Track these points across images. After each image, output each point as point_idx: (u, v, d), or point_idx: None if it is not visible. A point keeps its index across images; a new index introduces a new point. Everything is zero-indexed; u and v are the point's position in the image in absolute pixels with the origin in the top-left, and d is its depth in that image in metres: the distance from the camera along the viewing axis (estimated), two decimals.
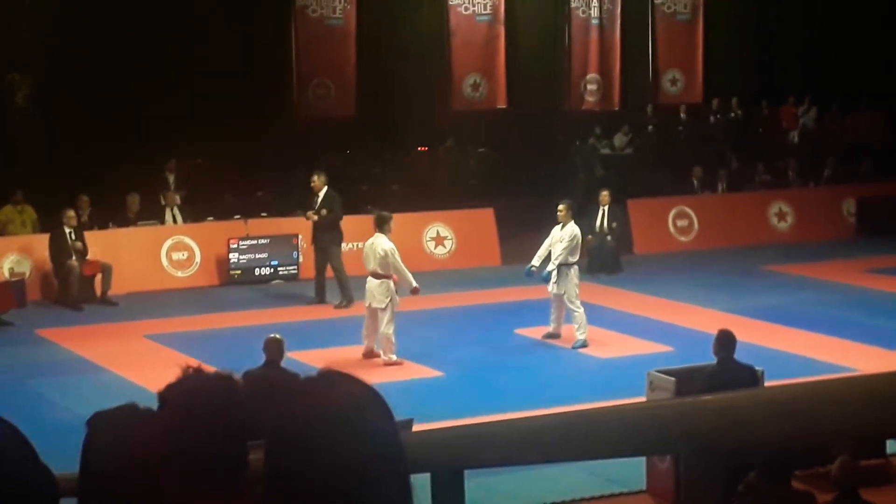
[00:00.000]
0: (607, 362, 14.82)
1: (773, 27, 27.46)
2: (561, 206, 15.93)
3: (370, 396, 1.99)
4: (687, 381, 10.09)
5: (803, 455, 9.36)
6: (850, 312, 17.11)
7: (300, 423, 1.93)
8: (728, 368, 10.08)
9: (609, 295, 18.41)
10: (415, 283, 14.74)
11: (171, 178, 21.30)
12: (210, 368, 2.35)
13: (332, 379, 2.01)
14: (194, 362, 2.38)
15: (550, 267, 15.57)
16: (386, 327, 14.55)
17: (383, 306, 14.54)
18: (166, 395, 2.27)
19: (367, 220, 19.06)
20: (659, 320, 16.77)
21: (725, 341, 10.24)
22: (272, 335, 10.91)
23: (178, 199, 20.55)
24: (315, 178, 18.39)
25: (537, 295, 16.47)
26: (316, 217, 18.13)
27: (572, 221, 15.87)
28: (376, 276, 14.67)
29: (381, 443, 1.94)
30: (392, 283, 14.65)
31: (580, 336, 15.43)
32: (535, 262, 15.86)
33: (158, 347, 15.72)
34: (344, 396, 1.96)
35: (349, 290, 17.65)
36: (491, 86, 25.31)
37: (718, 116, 27.25)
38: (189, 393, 2.25)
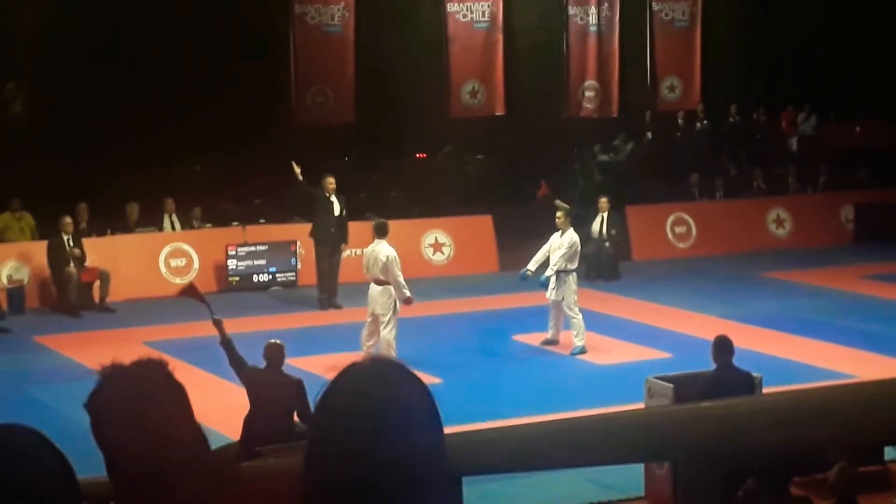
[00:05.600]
0: (606, 369, 14.82)
1: (771, 34, 27.47)
2: (559, 213, 15.94)
3: (421, 396, 1.96)
4: (685, 387, 10.10)
5: (801, 462, 9.36)
6: (848, 319, 17.11)
7: (342, 417, 1.91)
8: (725, 374, 10.11)
9: (607, 301, 18.42)
10: (408, 294, 14.69)
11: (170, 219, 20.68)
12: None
13: (386, 375, 1.97)
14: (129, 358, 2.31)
15: (548, 273, 15.57)
16: (388, 333, 14.56)
17: (385, 312, 14.56)
18: (90, 406, 2.17)
19: (365, 226, 19.11)
20: (657, 327, 16.77)
21: (723, 347, 10.26)
22: (272, 340, 10.92)
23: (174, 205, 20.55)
24: (332, 180, 18.53)
25: (535, 301, 16.47)
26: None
27: (571, 228, 15.87)
28: (378, 282, 14.70)
29: (424, 445, 1.91)
30: (394, 290, 14.67)
31: (578, 343, 15.43)
32: (532, 266, 15.86)
33: (157, 354, 15.69)
34: (394, 394, 1.93)
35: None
36: (489, 92, 25.34)
37: (716, 123, 27.25)
38: (111, 397, 2.16)
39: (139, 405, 2.15)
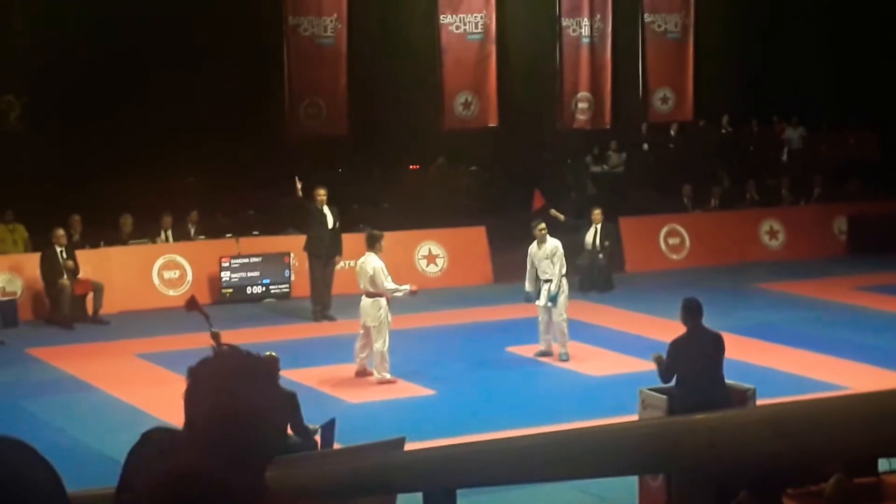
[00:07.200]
0: (600, 380, 14.81)
1: (763, 46, 27.54)
2: (542, 225, 16.01)
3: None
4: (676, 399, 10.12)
5: (795, 474, 9.37)
6: (841, 330, 17.13)
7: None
8: (696, 335, 10.40)
9: (601, 313, 18.42)
10: (407, 288, 14.86)
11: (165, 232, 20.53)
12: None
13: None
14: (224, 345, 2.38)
15: (553, 290, 15.53)
16: (381, 345, 14.55)
17: (377, 324, 14.55)
18: (192, 370, 2.24)
19: (358, 238, 19.10)
20: (651, 338, 16.74)
21: (692, 309, 10.64)
22: (267, 353, 10.89)
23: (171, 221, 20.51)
24: (322, 191, 18.50)
25: (529, 313, 16.47)
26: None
27: (548, 236, 15.91)
28: (368, 294, 14.70)
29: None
30: (385, 302, 14.66)
31: (562, 350, 15.58)
32: (529, 286, 15.90)
33: (150, 366, 15.68)
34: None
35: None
36: (482, 104, 25.32)
37: (709, 135, 27.29)
38: (219, 373, 2.22)
39: (236, 388, 2.22)
